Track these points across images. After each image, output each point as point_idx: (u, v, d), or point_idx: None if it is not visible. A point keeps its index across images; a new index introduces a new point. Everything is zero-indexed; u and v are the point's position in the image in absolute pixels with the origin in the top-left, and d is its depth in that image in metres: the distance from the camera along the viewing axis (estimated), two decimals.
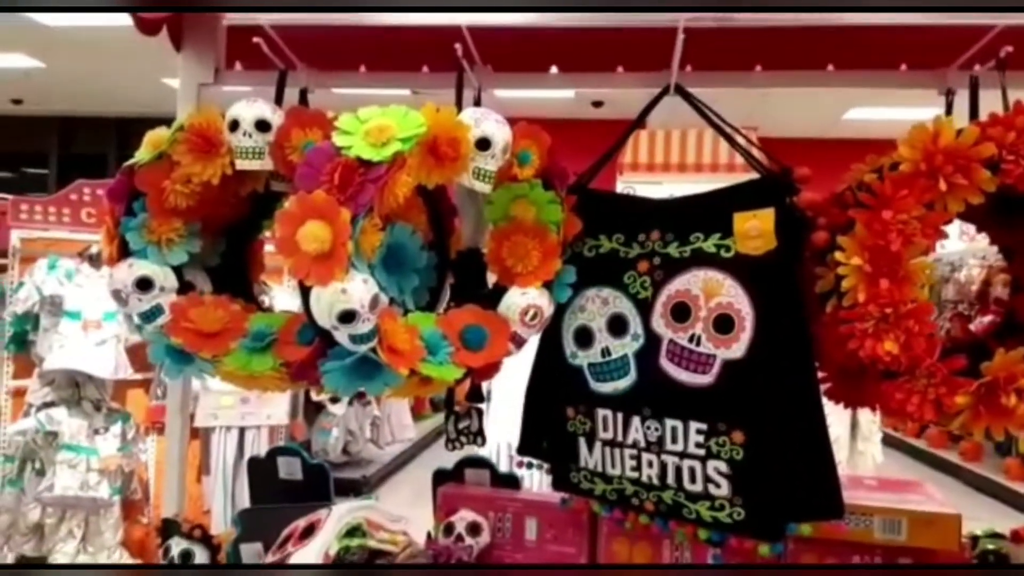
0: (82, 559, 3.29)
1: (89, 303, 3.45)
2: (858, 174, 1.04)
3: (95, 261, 3.53)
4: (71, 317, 3.42)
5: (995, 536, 1.28)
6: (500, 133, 1.08)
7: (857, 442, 3.19)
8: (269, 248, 1.41)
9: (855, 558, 1.22)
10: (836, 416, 3.21)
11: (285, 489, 1.49)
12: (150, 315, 1.13)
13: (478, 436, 1.32)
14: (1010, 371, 0.93)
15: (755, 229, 1.05)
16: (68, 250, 3.54)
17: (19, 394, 3.53)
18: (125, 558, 3.41)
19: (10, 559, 3.31)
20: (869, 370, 1.05)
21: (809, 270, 1.07)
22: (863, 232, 0.97)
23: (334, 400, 4.87)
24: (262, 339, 1.15)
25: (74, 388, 3.42)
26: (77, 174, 3.79)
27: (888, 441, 4.55)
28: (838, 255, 0.98)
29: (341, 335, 1.04)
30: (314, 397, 4.77)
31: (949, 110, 1.22)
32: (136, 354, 3.61)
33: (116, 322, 3.48)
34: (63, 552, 3.27)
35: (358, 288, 1.00)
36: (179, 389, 1.41)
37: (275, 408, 3.74)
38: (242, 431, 3.71)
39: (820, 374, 1.17)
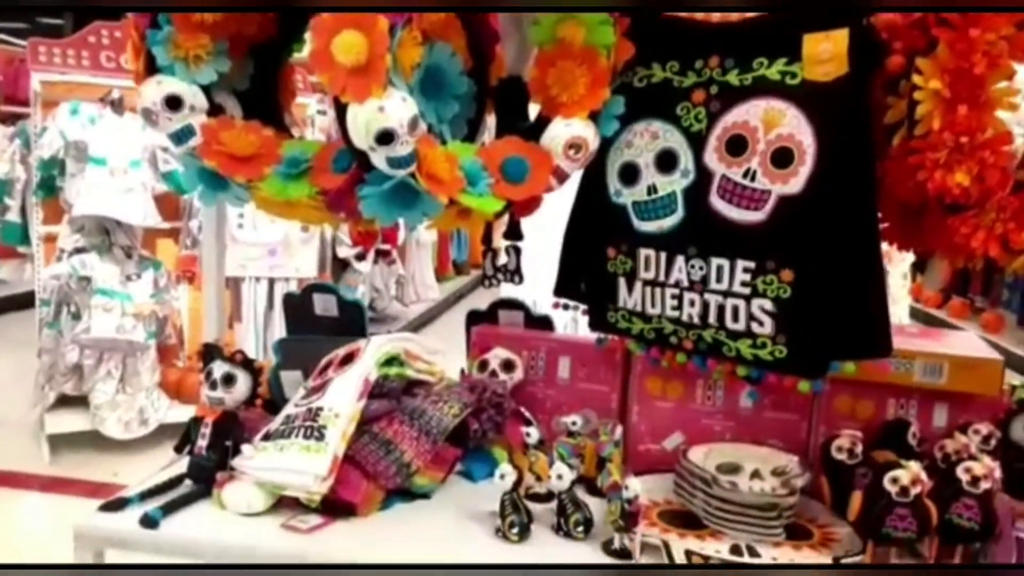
0: (120, 399, 3.44)
1: (114, 150, 3.42)
2: None
3: (117, 107, 3.46)
4: (97, 163, 3.40)
5: None
6: None
7: None
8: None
9: (891, 401, 1.22)
10: None
11: (321, 326, 1.50)
12: (181, 136, 1.10)
13: (515, 274, 1.31)
14: None
15: (826, 52, 0.97)
16: (89, 95, 3.47)
17: (50, 240, 3.57)
18: (162, 399, 3.56)
19: (52, 398, 3.46)
20: (931, 207, 1.00)
21: (878, 101, 1.00)
22: (945, 53, 0.89)
23: (359, 258, 4.90)
24: (297, 165, 1.11)
25: (104, 235, 3.45)
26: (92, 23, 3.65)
27: (910, 312, 4.54)
28: (915, 79, 0.91)
29: (378, 158, 1.00)
30: (340, 255, 4.81)
31: None
32: (164, 203, 3.62)
33: (142, 169, 3.46)
34: (102, 391, 3.41)
35: (397, 106, 0.95)
36: (213, 216, 1.40)
37: (303, 262, 3.77)
38: (271, 282, 3.76)
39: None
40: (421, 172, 1.05)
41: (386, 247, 4.95)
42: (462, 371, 1.45)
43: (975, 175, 0.89)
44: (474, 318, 1.53)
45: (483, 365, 1.40)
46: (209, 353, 1.21)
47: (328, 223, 1.21)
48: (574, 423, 1.29)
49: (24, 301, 4.89)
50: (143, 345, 3.43)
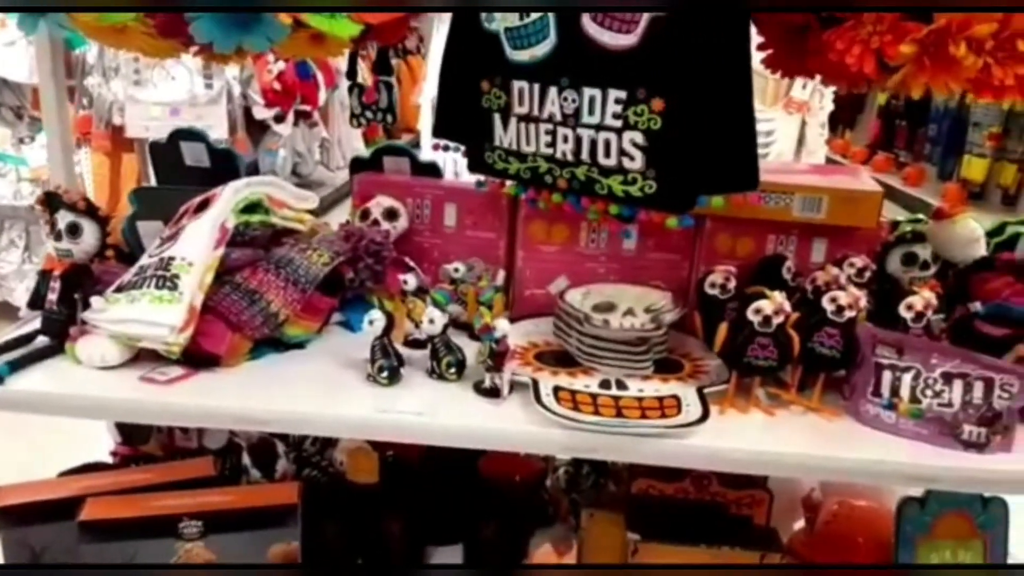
0: (27, 268, 3.30)
1: None
2: None
3: None
4: None
5: (916, 220, 1.27)
6: None
7: (801, 156, 3.17)
8: None
9: (770, 237, 1.20)
10: (782, 131, 3.17)
11: (192, 177, 1.41)
12: None
13: (388, 113, 1.22)
14: (965, 16, 0.82)
15: None
16: None
17: None
18: None
19: None
20: (813, 27, 0.94)
21: None
22: None
23: (278, 119, 4.65)
24: None
25: None
26: None
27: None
28: None
29: None
30: (257, 116, 4.55)
31: None
32: None
33: None
34: (7, 261, 3.27)
35: None
36: (48, 53, 1.25)
37: (211, 122, 3.56)
38: None
39: (759, 39, 1.06)
40: None
41: (306, 108, 4.70)
42: (346, 221, 1.38)
43: None
44: (358, 165, 1.45)
45: (365, 214, 1.33)
46: (51, 202, 1.12)
47: (167, 53, 1.09)
48: (456, 270, 1.25)
49: None
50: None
